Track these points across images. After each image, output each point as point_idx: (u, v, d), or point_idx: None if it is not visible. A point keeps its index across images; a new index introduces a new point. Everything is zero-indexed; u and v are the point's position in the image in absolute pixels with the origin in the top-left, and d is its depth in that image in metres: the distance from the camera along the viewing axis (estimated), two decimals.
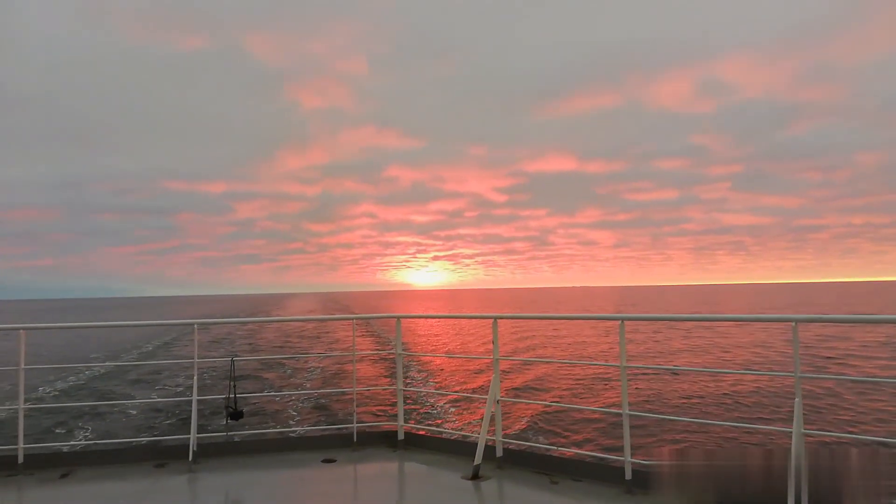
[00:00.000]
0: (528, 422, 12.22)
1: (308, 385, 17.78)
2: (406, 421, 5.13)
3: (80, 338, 36.71)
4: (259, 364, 20.81)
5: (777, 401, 14.00)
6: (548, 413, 12.76)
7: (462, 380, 18.51)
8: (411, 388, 16.47)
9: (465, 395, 16.25)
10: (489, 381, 4.49)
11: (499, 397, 4.45)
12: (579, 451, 7.92)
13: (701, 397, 14.73)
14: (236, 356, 5.19)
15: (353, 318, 5.60)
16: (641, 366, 19.89)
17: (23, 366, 4.52)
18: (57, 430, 12.12)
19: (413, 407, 13.83)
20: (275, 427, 11.69)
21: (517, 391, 16.03)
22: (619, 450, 3.80)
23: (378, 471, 4.50)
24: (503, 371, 16.27)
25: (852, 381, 18.83)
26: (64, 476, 4.30)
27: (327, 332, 36.19)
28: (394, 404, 5.21)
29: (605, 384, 16.94)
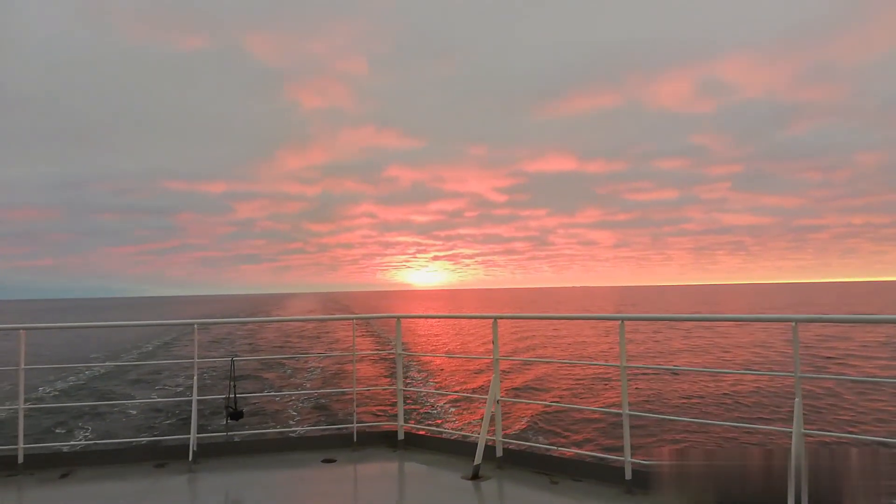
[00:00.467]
0: (528, 422, 12.22)
1: (308, 385, 17.78)
2: (406, 421, 5.13)
3: (80, 338, 36.72)
4: (259, 364, 20.80)
5: (777, 401, 14.00)
6: (548, 413, 12.76)
7: (462, 380, 18.51)
8: (411, 388, 16.47)
9: (465, 395, 16.25)
10: (489, 381, 4.49)
11: (499, 397, 4.45)
12: (579, 451, 7.92)
13: (701, 397, 14.73)
14: (236, 356, 5.19)
15: (353, 318, 5.61)
16: (641, 366, 19.89)
17: (23, 366, 4.52)
18: (57, 430, 12.12)
19: (413, 407, 13.83)
20: (275, 427, 11.69)
21: (517, 391, 16.03)
22: (619, 450, 3.80)
23: (378, 471, 4.50)
24: (503, 371, 16.27)
25: (852, 381, 18.83)
26: (64, 476, 4.30)
27: (327, 332, 36.20)
28: (394, 404, 5.21)
29: (605, 384, 16.94)
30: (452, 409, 13.69)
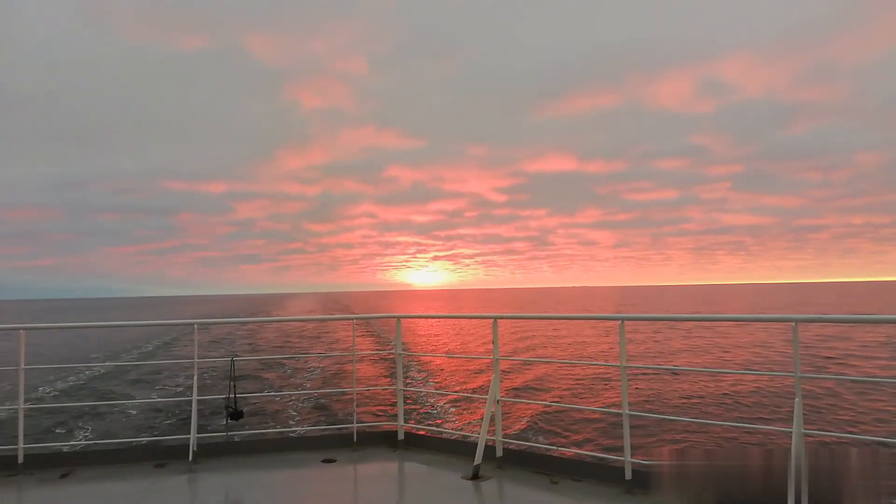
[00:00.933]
0: (528, 422, 12.22)
1: (308, 385, 17.78)
2: (406, 421, 5.13)
3: (80, 338, 36.72)
4: (259, 364, 20.80)
5: (777, 401, 14.00)
6: (548, 413, 12.76)
7: (462, 380, 18.50)
8: (411, 388, 16.47)
9: (465, 395, 16.24)
10: (489, 381, 4.49)
11: (499, 397, 4.45)
12: (579, 451, 7.92)
13: (701, 397, 14.73)
14: (236, 356, 5.19)
15: (353, 318, 5.61)
16: (641, 366, 19.89)
17: (23, 366, 4.52)
18: (57, 430, 12.12)
19: (413, 407, 13.83)
20: (275, 427, 11.69)
21: (517, 391, 16.03)
22: (619, 450, 3.80)
23: (378, 471, 4.50)
24: (503, 371, 16.27)
25: (852, 381, 18.83)
26: (64, 476, 4.30)
27: (327, 332, 36.19)
28: (394, 404, 5.21)
29: (605, 384, 16.93)
30: (452, 409, 13.69)
